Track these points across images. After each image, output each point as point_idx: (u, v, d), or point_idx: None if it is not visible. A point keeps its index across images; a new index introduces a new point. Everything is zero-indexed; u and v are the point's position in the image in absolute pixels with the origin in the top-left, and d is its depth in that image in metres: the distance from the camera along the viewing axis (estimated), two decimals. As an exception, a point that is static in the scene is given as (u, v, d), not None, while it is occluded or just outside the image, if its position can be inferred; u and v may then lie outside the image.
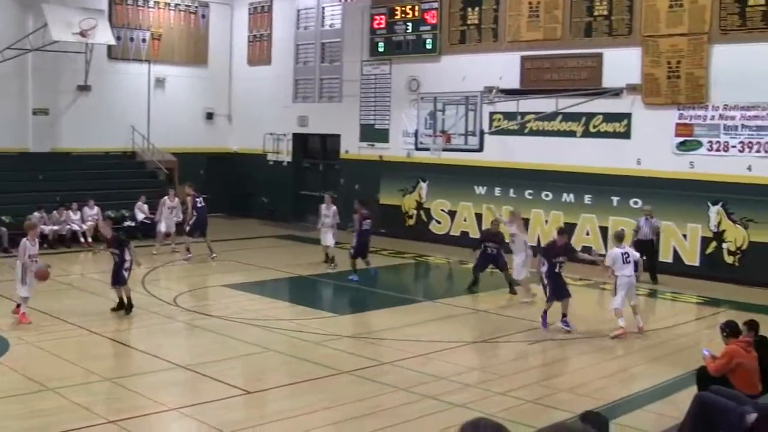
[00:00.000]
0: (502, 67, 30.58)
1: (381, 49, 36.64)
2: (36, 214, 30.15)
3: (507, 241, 24.44)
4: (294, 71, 41.02)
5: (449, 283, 28.99)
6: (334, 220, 28.83)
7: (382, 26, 36.45)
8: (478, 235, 28.72)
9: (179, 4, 41.27)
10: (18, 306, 19.82)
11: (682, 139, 28.19)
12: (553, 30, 31.04)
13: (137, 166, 39.40)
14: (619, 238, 21.55)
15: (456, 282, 28.48)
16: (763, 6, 26.35)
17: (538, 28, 31.41)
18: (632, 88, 29.03)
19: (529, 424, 12.14)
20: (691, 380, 14.32)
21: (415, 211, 35.43)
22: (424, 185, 35.17)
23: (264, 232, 37.22)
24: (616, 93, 29.37)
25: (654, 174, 28.58)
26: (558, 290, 20.79)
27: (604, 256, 22.15)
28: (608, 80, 29.75)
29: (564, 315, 20.70)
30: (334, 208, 29.06)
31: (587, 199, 30.15)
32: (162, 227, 30.95)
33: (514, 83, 31.63)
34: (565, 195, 30.67)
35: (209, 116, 42.88)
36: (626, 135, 29.54)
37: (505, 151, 31.87)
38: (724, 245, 27.34)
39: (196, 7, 41.97)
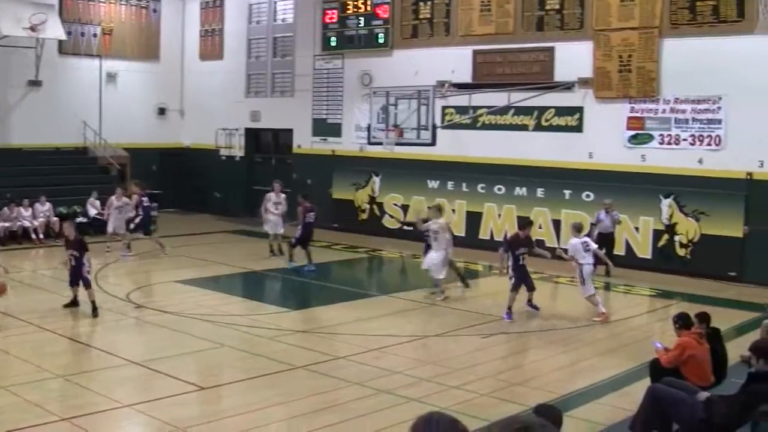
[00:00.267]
0: (454, 62, 30.65)
1: (333, 44, 36.56)
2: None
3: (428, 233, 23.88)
4: (246, 66, 40.87)
5: (402, 277, 29.00)
6: (284, 209, 29.63)
7: (334, 21, 36.38)
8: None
9: (130, -1, 41.05)
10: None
11: (633, 132, 28.33)
12: (505, 24, 31.10)
13: (89, 162, 39.03)
14: (578, 229, 22.34)
15: (409, 276, 28.50)
16: (713, 0, 26.51)
17: (490, 22, 31.44)
18: (584, 82, 29.16)
19: (484, 418, 12.17)
20: (644, 372, 14.41)
21: (368, 206, 35.42)
22: (376, 179, 35.17)
23: (217, 227, 37.07)
24: (567, 87, 29.48)
25: (606, 167, 28.71)
26: (526, 282, 21.32)
27: (554, 249, 22.48)
28: (560, 74, 29.85)
29: (530, 300, 21.65)
30: (284, 196, 29.79)
31: (540, 192, 30.25)
32: (109, 228, 30.32)
33: (466, 77, 31.66)
34: (517, 189, 30.76)
35: (161, 111, 42.62)
36: (578, 128, 29.65)
37: (457, 145, 31.91)
38: (676, 238, 27.53)
39: (148, 1, 41.65)
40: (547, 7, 30.12)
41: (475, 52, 31.88)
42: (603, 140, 28.91)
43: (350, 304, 22.72)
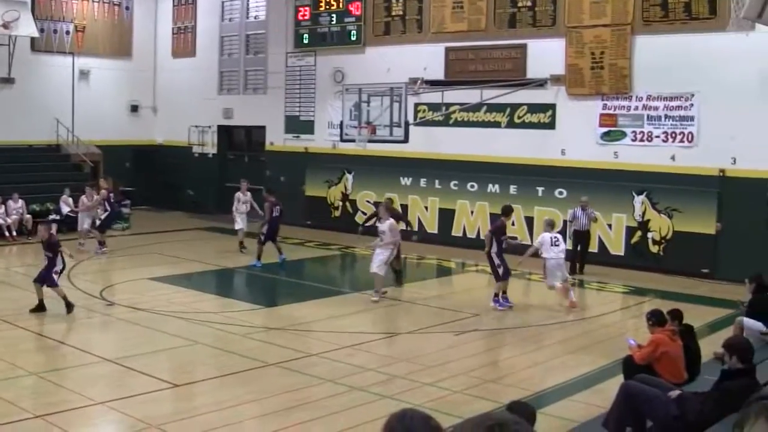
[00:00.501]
0: (426, 59, 30.58)
1: (306, 41, 36.49)
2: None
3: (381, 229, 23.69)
4: (219, 63, 40.74)
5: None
6: (248, 207, 30.18)
7: (306, 18, 36.30)
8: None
9: (102, -4, 40.85)
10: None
11: (606, 129, 28.38)
12: (478, 21, 31.09)
13: (62, 159, 38.87)
14: (551, 225, 23.09)
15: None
16: (685, -3, 26.62)
17: (462, 19, 31.44)
18: (556, 79, 29.17)
19: (457, 415, 12.12)
20: (618, 369, 14.41)
21: (340, 203, 35.37)
22: (349, 177, 35.14)
23: (189, 224, 36.96)
24: (540, 84, 29.50)
25: (579, 164, 28.76)
26: (507, 269, 21.81)
27: (515, 237, 23.76)
28: (532, 71, 29.87)
29: (504, 292, 21.96)
30: (249, 194, 30.28)
31: (513, 189, 30.25)
32: (85, 225, 30.15)
33: (439, 74, 31.64)
34: (490, 185, 30.76)
35: (134, 109, 42.43)
36: (551, 125, 29.69)
37: (430, 142, 31.89)
38: (649, 235, 27.60)
39: (120, -2, 41.59)
40: (520, 5, 30.13)
41: (448, 49, 31.87)
42: (575, 137, 28.95)
43: (323, 301, 22.69)
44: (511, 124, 30.53)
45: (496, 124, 30.82)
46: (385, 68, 31.45)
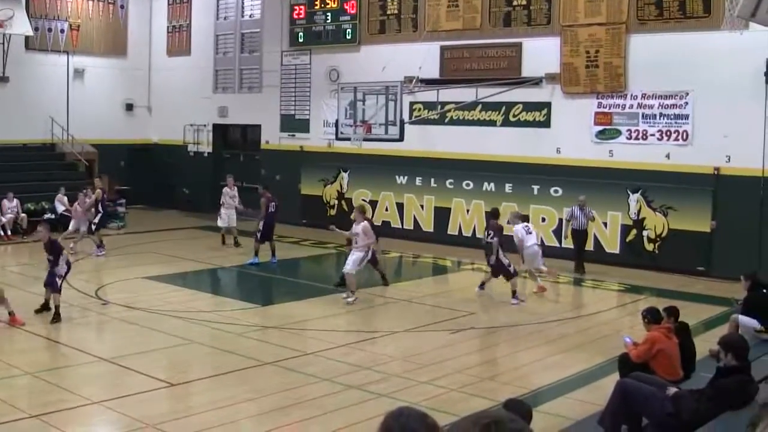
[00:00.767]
0: (421, 57, 30.52)
1: (301, 40, 36.51)
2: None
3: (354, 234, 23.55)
4: (214, 62, 40.72)
5: (371, 273, 28.93)
6: (235, 202, 30.60)
7: (301, 16, 36.31)
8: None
9: (97, -6, 40.83)
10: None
11: (601, 127, 28.41)
12: (473, 20, 31.12)
13: (57, 158, 38.87)
14: (521, 217, 24.72)
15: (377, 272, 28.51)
16: (680, -5, 26.66)
17: (457, 18, 31.47)
18: (551, 78, 29.21)
19: (453, 413, 12.15)
20: (613, 367, 14.41)
21: (336, 202, 35.37)
22: (345, 175, 35.13)
23: (185, 223, 36.95)
24: (535, 82, 29.52)
25: (574, 162, 28.77)
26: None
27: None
28: (528, 69, 29.90)
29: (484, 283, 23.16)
30: (236, 189, 30.89)
31: (508, 187, 30.26)
32: (82, 228, 29.89)
33: (434, 73, 31.65)
34: (485, 184, 30.76)
35: (129, 107, 42.41)
36: (546, 124, 29.71)
37: (425, 141, 31.93)
38: (645, 233, 27.62)
39: (115, -3, 41.58)
40: (515, 3, 30.15)
41: (443, 48, 31.90)
42: (571, 135, 28.98)
43: (318, 299, 22.70)
44: (506, 123, 30.54)
45: (492, 123, 30.84)
46: (380, 67, 31.37)
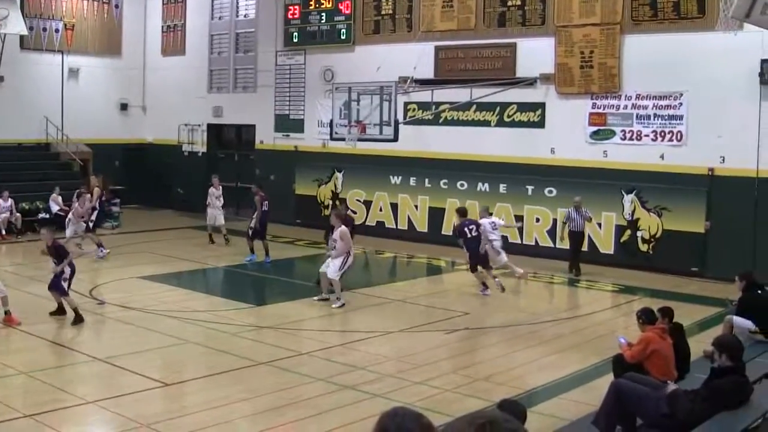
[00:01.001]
0: (416, 57, 30.52)
1: (295, 39, 36.51)
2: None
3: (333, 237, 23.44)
4: (208, 61, 40.69)
5: (366, 273, 28.97)
6: (221, 201, 31.17)
7: (296, 16, 36.31)
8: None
9: (92, -6, 40.81)
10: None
11: (595, 128, 28.43)
12: (467, 20, 31.13)
13: (51, 158, 38.88)
14: (487, 210, 25.74)
15: (372, 272, 28.50)
16: (674, -4, 26.69)
17: (452, 18, 31.48)
18: (546, 78, 29.23)
19: (448, 413, 12.16)
20: (608, 368, 14.42)
21: (330, 202, 35.35)
22: (339, 175, 35.13)
23: (179, 223, 36.92)
24: (530, 83, 29.54)
25: (568, 163, 28.79)
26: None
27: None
28: (522, 70, 29.91)
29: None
30: (221, 188, 31.48)
31: (502, 188, 30.27)
32: (80, 230, 29.57)
33: (429, 73, 31.64)
34: (480, 184, 30.77)
35: (123, 107, 42.40)
36: (540, 124, 29.72)
37: (420, 141, 31.93)
38: (639, 233, 27.64)
39: (109, -3, 41.56)
40: (509, 4, 30.17)
41: (438, 48, 31.91)
42: (565, 136, 29.00)
43: (313, 300, 22.63)
44: (500, 123, 30.56)
45: (486, 123, 30.85)
46: (374, 67, 31.35)
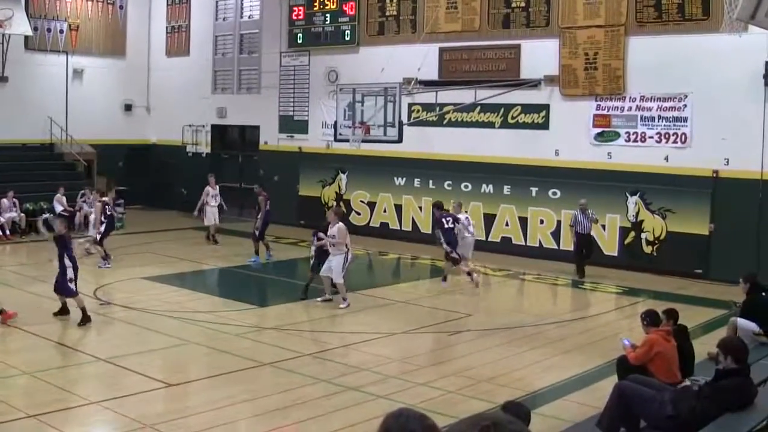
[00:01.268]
0: (420, 59, 30.51)
1: (300, 41, 36.52)
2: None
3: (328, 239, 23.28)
4: (213, 62, 40.73)
5: (369, 274, 28.97)
6: (218, 201, 31.17)
7: (300, 17, 36.32)
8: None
9: (96, -5, 40.83)
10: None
11: (599, 129, 28.40)
12: (471, 21, 31.12)
13: (55, 158, 38.89)
14: (461, 206, 26.43)
15: (375, 273, 28.50)
16: (679, -2, 26.67)
17: (456, 20, 31.47)
18: (550, 80, 29.20)
19: (451, 415, 12.15)
20: (612, 369, 14.40)
21: (334, 203, 35.31)
22: (343, 176, 35.12)
23: (183, 223, 36.84)
24: (534, 84, 29.52)
25: (572, 165, 28.77)
26: None
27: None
28: (526, 71, 29.89)
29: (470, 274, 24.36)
30: (218, 188, 31.44)
31: (506, 189, 30.27)
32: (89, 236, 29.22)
33: (433, 74, 31.63)
34: (484, 186, 30.75)
35: (128, 108, 42.43)
36: (544, 126, 29.70)
37: (424, 143, 31.91)
38: (643, 235, 27.61)
39: (114, -3, 41.59)
40: (513, 5, 30.16)
41: (442, 50, 31.89)
42: (569, 138, 28.97)
43: (316, 301, 22.60)
44: (504, 125, 30.54)
45: (490, 125, 30.83)
46: (379, 68, 31.31)
